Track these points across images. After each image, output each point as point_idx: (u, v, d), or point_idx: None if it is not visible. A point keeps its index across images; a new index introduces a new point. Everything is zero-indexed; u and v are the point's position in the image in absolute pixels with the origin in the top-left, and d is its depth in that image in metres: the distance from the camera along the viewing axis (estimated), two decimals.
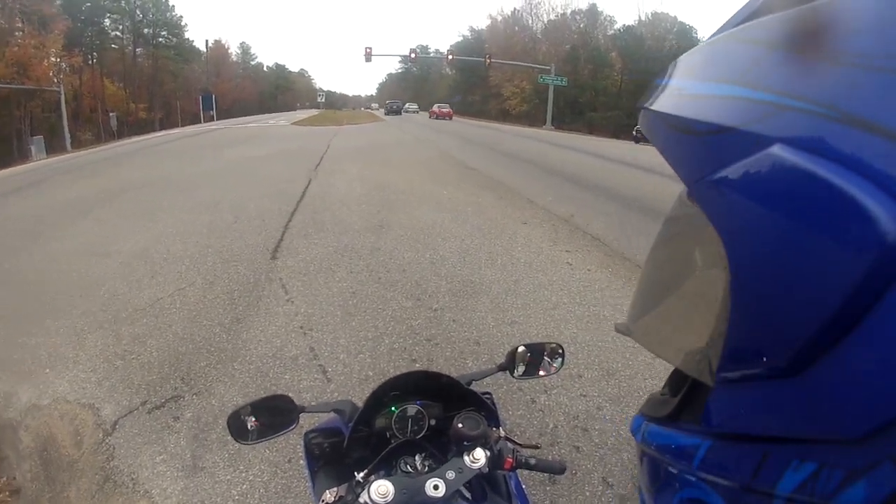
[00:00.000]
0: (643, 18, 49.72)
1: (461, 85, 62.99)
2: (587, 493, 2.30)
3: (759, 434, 0.34)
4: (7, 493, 2.48)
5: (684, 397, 0.46)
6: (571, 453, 2.53)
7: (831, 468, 0.29)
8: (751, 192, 0.33)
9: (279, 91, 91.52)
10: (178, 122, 50.84)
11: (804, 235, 0.29)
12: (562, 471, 1.13)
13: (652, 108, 0.46)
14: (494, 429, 1.09)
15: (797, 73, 0.34)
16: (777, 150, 0.31)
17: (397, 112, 52.86)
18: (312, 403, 1.26)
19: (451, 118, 40.11)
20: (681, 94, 0.45)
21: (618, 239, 5.97)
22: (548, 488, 2.30)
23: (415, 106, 61.18)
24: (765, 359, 0.33)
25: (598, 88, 45.01)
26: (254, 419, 1.18)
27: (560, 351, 1.35)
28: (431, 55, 70.01)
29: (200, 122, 48.08)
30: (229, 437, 2.28)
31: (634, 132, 19.60)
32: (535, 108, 45.33)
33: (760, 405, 0.34)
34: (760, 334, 0.33)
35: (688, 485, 0.41)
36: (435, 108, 43.46)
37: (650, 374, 3.07)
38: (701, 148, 0.39)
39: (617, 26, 51.58)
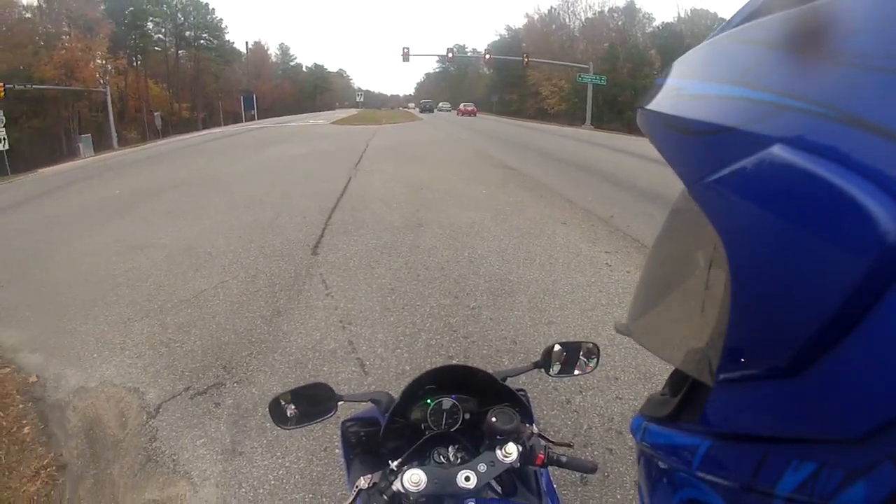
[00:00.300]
0: (682, 15, 48.73)
1: (498, 84, 62.73)
2: (618, 497, 2.27)
3: (759, 434, 0.34)
4: (54, 468, 2.61)
5: (684, 397, 0.46)
6: (604, 455, 2.50)
7: (831, 468, 0.29)
8: (750, 192, 0.33)
9: (318, 91, 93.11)
10: (221, 121, 52.31)
11: (804, 235, 0.29)
12: (593, 470, 1.13)
13: (650, 107, 0.46)
14: (528, 425, 1.10)
15: (797, 73, 0.34)
16: (777, 150, 0.31)
17: (430, 110, 60.36)
18: (350, 393, 1.30)
19: (475, 115, 46.55)
20: (680, 93, 0.44)
21: None
22: (579, 489, 2.29)
23: (447, 105, 67.19)
24: (765, 359, 0.33)
25: (637, 87, 44.00)
26: (294, 406, 1.22)
27: (596, 351, 1.35)
28: (468, 54, 70.08)
29: (242, 122, 49.39)
30: (268, 425, 2.36)
31: None
32: (574, 107, 44.78)
33: (760, 405, 0.34)
34: (760, 334, 0.33)
35: (687, 485, 0.41)
36: (461, 106, 50.71)
37: None
38: (700, 148, 0.39)
39: (655, 23, 50.75)
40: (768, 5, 0.39)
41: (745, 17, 0.41)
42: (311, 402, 1.24)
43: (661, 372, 3.12)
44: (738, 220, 0.34)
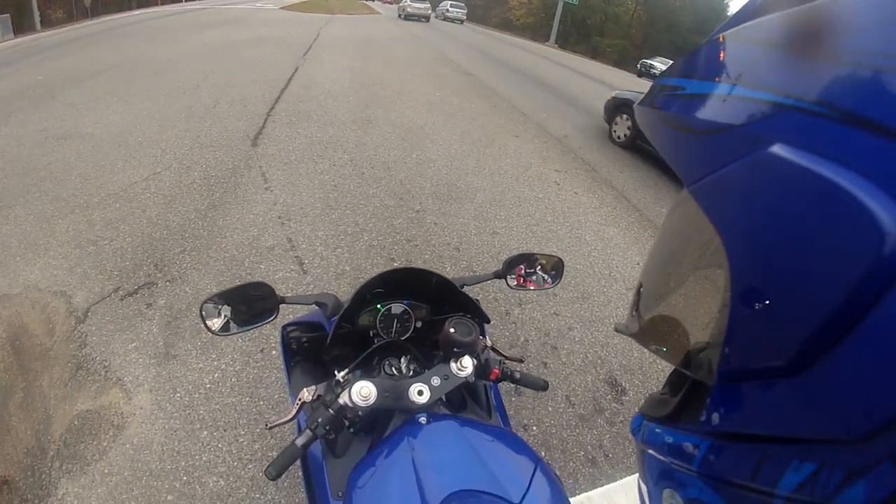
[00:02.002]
0: None
1: None
2: (549, 409, 2.36)
3: (759, 434, 0.35)
4: None
5: (684, 397, 0.46)
6: (539, 368, 2.57)
7: (831, 468, 0.29)
8: (751, 191, 0.33)
9: None
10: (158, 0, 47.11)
11: (804, 235, 0.29)
12: (545, 387, 1.10)
13: (651, 106, 0.46)
14: (482, 338, 1.05)
15: (797, 72, 0.34)
16: (777, 149, 0.31)
17: (420, 18, 30.96)
18: (293, 295, 1.17)
19: (428, 20, 30.50)
20: (679, 93, 0.44)
21: (608, 168, 5.87)
22: (513, 399, 2.36)
23: (463, 10, 36.40)
24: (765, 359, 0.33)
25: (608, 13, 42.70)
26: (229, 308, 1.08)
27: (560, 266, 1.29)
28: None
29: (181, 1, 44.68)
30: (202, 326, 2.20)
31: (639, 66, 19.20)
32: (541, 23, 43.13)
33: (760, 405, 0.34)
34: (760, 334, 0.33)
35: (687, 484, 0.42)
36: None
37: (623, 304, 3.10)
38: (700, 147, 0.39)
39: None
40: (768, 5, 0.39)
41: (745, 16, 0.41)
42: (249, 303, 1.10)
43: (598, 294, 3.20)
44: (738, 218, 0.35)
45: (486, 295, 2.98)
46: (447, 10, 35.57)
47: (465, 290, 1.17)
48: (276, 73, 8.86)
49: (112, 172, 4.54)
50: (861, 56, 0.29)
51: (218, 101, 6.82)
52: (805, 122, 0.30)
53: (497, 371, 1.02)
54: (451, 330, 0.95)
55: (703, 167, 0.38)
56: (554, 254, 1.30)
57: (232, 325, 1.08)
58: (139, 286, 2.99)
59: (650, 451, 0.50)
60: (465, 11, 36.67)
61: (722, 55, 0.42)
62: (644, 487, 0.53)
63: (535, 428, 2.26)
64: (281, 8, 31.79)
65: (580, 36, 41.91)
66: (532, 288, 1.29)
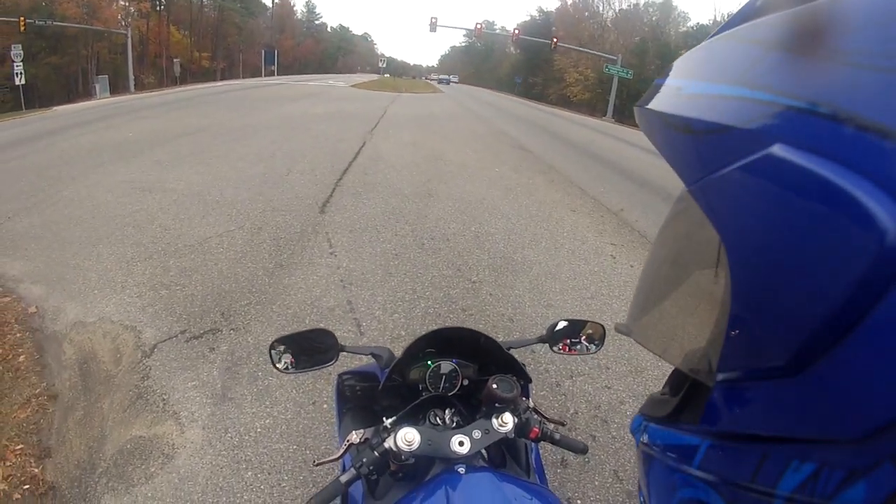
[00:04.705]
0: (718, 18, 47.42)
1: (524, 65, 61.63)
2: (596, 483, 2.29)
3: (759, 434, 0.34)
4: (45, 398, 2.65)
5: (684, 397, 0.46)
6: (588, 441, 2.51)
7: (831, 468, 0.29)
8: (750, 191, 0.33)
9: (341, 53, 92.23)
10: (240, 73, 51.81)
11: (804, 235, 0.29)
12: (584, 451, 1.13)
13: (650, 107, 0.46)
14: (524, 398, 1.09)
15: (796, 72, 0.34)
16: (777, 149, 0.31)
17: (447, 83, 75.04)
18: (352, 345, 1.29)
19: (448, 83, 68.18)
20: (679, 93, 0.44)
21: None
22: (558, 471, 2.31)
23: (455, 78, 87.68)
24: (764, 359, 0.33)
25: None
26: (294, 350, 1.22)
27: (601, 332, 1.33)
28: (497, 31, 68.86)
29: (261, 76, 48.84)
30: (260, 373, 2.38)
31: None
32: (597, 98, 44.11)
33: (760, 405, 0.34)
34: (760, 334, 0.33)
35: (687, 484, 0.42)
36: (452, 77, 77.78)
37: None
38: (700, 147, 0.39)
39: (690, 23, 49.58)
40: (768, 5, 0.39)
41: (744, 16, 0.41)
42: (312, 348, 1.23)
43: (652, 367, 3.14)
44: (738, 219, 0.34)
45: (538, 366, 2.99)
46: (451, 78, 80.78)
47: (512, 352, 1.22)
48: (346, 146, 9.44)
49: (190, 226, 4.94)
50: (861, 56, 0.29)
51: (291, 170, 7.31)
52: (805, 123, 0.30)
53: (537, 430, 1.05)
54: (494, 386, 1.01)
55: (703, 168, 0.37)
56: (597, 320, 1.34)
57: (295, 365, 1.21)
58: (205, 331, 3.20)
59: (650, 451, 0.50)
60: (458, 78, 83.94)
61: (722, 55, 0.43)
62: (644, 487, 0.52)
63: (579, 502, 2.21)
64: (351, 86, 34.17)
65: None
66: (577, 353, 1.34)
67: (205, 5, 55.20)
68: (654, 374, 3.08)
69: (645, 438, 0.51)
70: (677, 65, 0.47)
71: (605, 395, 2.87)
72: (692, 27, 48.02)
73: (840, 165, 0.27)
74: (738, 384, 0.36)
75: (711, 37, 0.44)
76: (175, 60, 42.91)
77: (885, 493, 0.26)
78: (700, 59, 0.45)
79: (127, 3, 43.65)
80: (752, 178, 0.33)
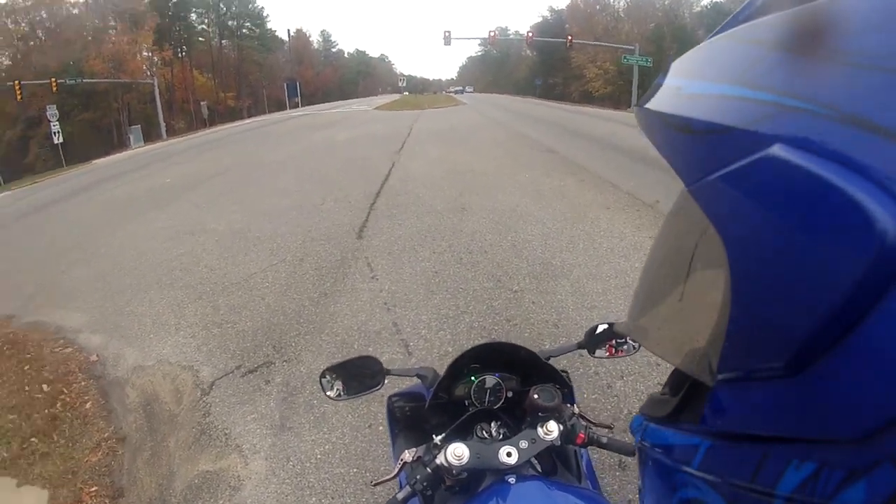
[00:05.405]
0: None
1: (541, 67, 61.34)
2: None
3: (759, 434, 0.34)
4: (114, 441, 2.82)
5: (684, 397, 0.45)
6: None
7: (831, 468, 0.29)
8: (750, 191, 0.33)
9: (361, 77, 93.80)
10: (265, 108, 53.39)
11: (804, 235, 0.29)
12: (633, 453, 1.11)
13: (649, 107, 0.45)
14: (569, 405, 1.11)
15: (797, 72, 0.33)
16: (777, 149, 0.30)
17: (461, 93, 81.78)
18: (397, 368, 1.35)
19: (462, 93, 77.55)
20: (679, 93, 0.44)
21: None
22: (617, 473, 2.31)
23: (471, 88, 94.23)
24: (765, 359, 0.32)
25: None
26: (343, 378, 1.29)
27: None
28: (511, 37, 68.96)
29: (286, 109, 50.18)
30: (315, 402, 2.45)
31: None
32: (620, 90, 43.52)
33: (760, 405, 0.34)
34: (760, 334, 0.33)
35: (687, 484, 0.41)
36: (468, 88, 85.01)
37: None
38: (700, 147, 0.38)
39: (704, 3, 48.54)
40: (768, 5, 0.39)
41: (745, 16, 0.41)
42: (360, 374, 1.30)
43: None
44: (738, 219, 0.34)
45: (587, 370, 2.97)
46: (466, 89, 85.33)
47: (553, 360, 1.26)
48: (375, 170, 9.60)
49: (234, 264, 5.14)
50: (863, 56, 0.29)
51: (324, 199, 7.51)
52: (805, 123, 0.30)
53: (583, 435, 1.06)
54: (535, 396, 1.04)
55: (703, 168, 0.36)
56: None
57: (345, 392, 1.28)
58: (259, 365, 3.33)
59: (650, 451, 0.50)
60: (473, 88, 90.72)
61: (722, 55, 0.42)
62: (644, 488, 0.52)
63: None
64: (375, 108, 34.72)
65: None
66: (620, 355, 1.35)
67: (224, 47, 57.25)
68: None
69: (645, 438, 0.51)
70: (677, 65, 0.47)
71: None
72: (706, 6, 47.04)
73: (841, 166, 0.27)
74: (739, 384, 0.36)
75: (711, 36, 0.44)
76: (202, 103, 44.65)
77: (885, 493, 0.26)
78: (700, 58, 0.45)
79: (150, 54, 45.78)
80: (752, 179, 0.33)
